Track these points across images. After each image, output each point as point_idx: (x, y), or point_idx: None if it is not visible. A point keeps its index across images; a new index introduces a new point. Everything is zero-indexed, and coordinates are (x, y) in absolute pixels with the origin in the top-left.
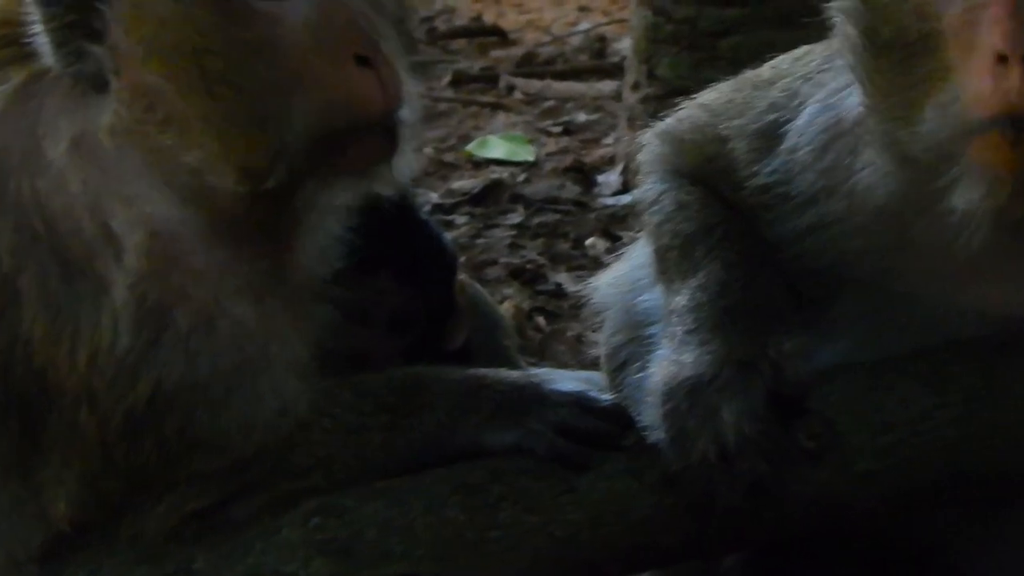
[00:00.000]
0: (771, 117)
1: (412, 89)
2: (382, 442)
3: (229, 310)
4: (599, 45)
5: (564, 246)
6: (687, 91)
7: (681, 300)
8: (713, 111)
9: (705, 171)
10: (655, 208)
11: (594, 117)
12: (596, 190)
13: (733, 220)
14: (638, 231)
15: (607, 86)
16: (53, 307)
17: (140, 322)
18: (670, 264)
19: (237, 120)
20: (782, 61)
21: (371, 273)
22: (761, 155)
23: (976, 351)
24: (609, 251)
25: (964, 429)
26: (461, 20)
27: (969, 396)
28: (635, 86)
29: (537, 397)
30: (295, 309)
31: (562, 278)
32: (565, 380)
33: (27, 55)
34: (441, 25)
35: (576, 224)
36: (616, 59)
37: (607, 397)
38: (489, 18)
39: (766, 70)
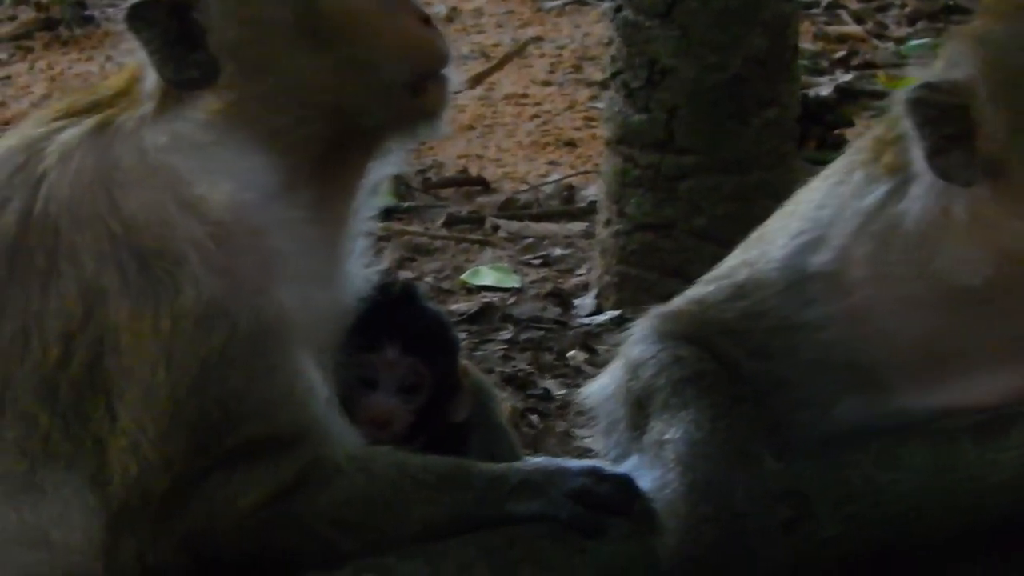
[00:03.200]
0: (795, 246)
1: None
2: (421, 516)
3: (290, 265)
4: (568, 193)
5: (549, 357)
6: (650, 226)
7: (675, 433)
8: (713, 282)
9: (701, 332)
10: (649, 362)
11: (568, 252)
12: (573, 311)
13: (723, 370)
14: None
15: (576, 226)
16: (134, 293)
17: (219, 274)
18: (656, 404)
19: (350, 68)
20: (775, 218)
21: (379, 347)
22: (788, 290)
23: (924, 434)
24: (588, 361)
25: (913, 501)
26: (449, 172)
27: (918, 472)
28: (607, 223)
29: (557, 470)
30: (336, 286)
31: (549, 384)
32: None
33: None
34: (433, 176)
35: (558, 339)
36: (583, 204)
37: (616, 469)
38: (473, 171)
39: (760, 232)
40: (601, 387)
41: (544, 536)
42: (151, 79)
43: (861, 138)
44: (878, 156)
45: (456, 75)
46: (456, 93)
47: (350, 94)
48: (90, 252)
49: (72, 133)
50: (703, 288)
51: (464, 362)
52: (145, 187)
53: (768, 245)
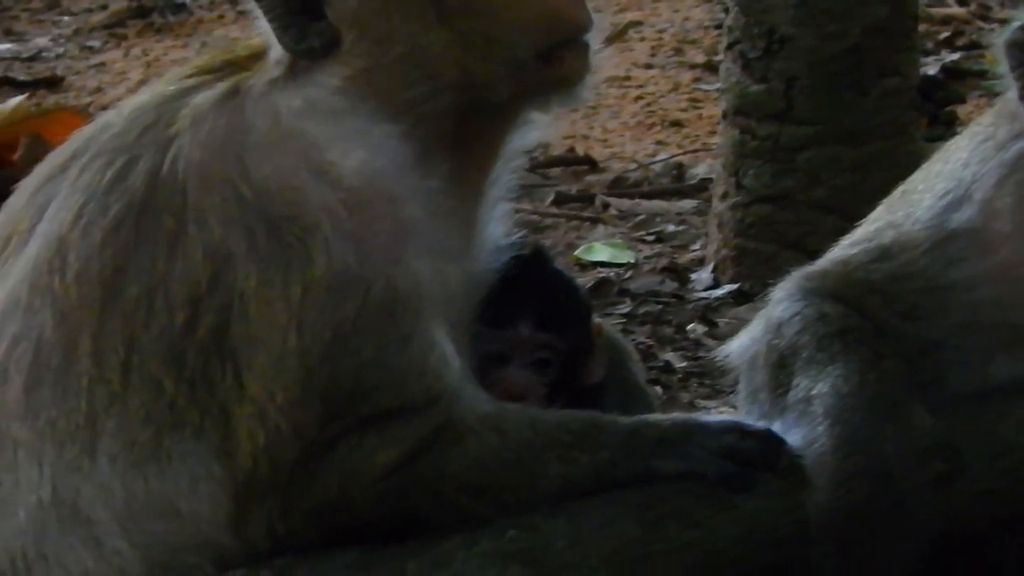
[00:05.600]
0: (941, 206)
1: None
2: (557, 473)
3: (424, 235)
4: (677, 171)
5: (668, 331)
6: (769, 198)
7: (822, 388)
8: (857, 244)
9: (848, 292)
10: (794, 319)
11: (680, 228)
12: (690, 285)
13: (870, 326)
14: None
15: (688, 204)
16: (263, 258)
17: (352, 242)
18: (801, 361)
19: (474, 42)
20: (921, 176)
21: (513, 321)
22: (933, 251)
23: None
24: (707, 334)
25: None
26: (556, 152)
27: None
28: (724, 195)
29: (698, 427)
30: (470, 257)
31: (669, 356)
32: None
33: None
34: (539, 156)
35: (676, 313)
36: (693, 181)
37: (759, 424)
38: (580, 151)
39: (904, 189)
40: (742, 347)
41: (690, 492)
42: (276, 47)
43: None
44: None
45: (597, 38)
46: (597, 55)
47: (476, 67)
48: (217, 215)
49: (205, 96)
50: (847, 250)
51: (597, 321)
52: (277, 152)
53: (913, 206)
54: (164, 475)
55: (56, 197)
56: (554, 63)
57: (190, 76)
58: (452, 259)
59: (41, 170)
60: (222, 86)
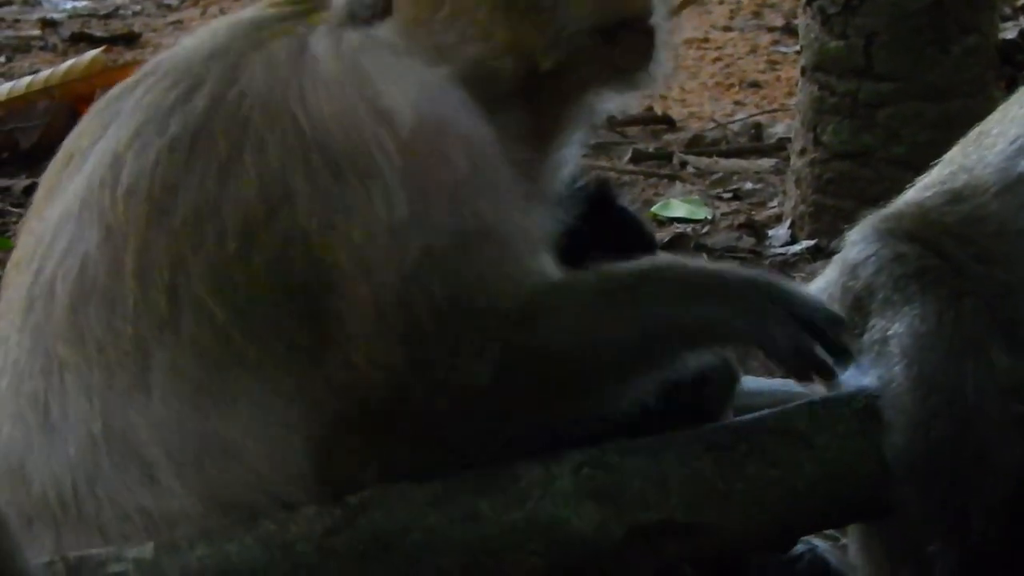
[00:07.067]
0: (1012, 150)
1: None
2: (628, 316)
3: (490, 177)
4: (755, 131)
5: None
6: (848, 155)
7: (899, 327)
8: (930, 188)
9: (924, 232)
10: (869, 260)
11: (758, 186)
12: (767, 242)
13: (947, 265)
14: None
15: (766, 163)
16: (325, 201)
17: (412, 190)
18: (877, 303)
19: (522, 9)
20: (996, 121)
21: (579, 257)
22: (1004, 194)
23: None
24: None
25: None
26: (634, 111)
27: None
28: (802, 152)
29: (780, 293)
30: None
31: None
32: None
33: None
34: (617, 115)
35: (753, 268)
36: (772, 141)
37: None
38: (658, 110)
39: (981, 129)
40: (817, 290)
41: (770, 431)
42: None
43: None
44: None
45: (667, 25)
46: (670, 44)
47: (522, 33)
48: (278, 146)
49: (276, 28)
50: (921, 193)
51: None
52: (336, 87)
53: (986, 149)
54: (223, 413)
55: (120, 116)
56: (613, 43)
57: (272, 5)
58: (515, 207)
59: (112, 91)
60: (294, 18)
